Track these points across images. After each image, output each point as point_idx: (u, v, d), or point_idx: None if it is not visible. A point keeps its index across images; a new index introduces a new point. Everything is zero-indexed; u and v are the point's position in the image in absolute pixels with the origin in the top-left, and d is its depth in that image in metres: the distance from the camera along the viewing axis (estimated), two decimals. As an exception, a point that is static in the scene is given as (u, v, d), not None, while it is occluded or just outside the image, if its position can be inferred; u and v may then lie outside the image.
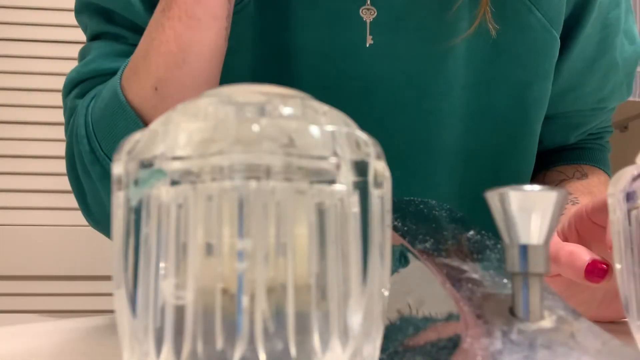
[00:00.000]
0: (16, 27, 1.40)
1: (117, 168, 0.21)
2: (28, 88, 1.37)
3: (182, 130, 0.21)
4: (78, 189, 0.63)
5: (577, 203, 0.65)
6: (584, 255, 0.45)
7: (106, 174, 0.57)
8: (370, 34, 0.62)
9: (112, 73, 0.60)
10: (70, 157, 0.61)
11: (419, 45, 0.63)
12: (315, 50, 0.62)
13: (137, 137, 0.21)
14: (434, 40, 0.62)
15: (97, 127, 0.58)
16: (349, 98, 0.63)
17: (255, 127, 0.20)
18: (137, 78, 0.55)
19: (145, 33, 0.55)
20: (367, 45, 0.62)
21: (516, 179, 0.70)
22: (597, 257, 0.44)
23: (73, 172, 0.62)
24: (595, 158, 0.79)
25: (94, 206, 0.62)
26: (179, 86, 0.54)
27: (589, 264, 0.44)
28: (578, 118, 0.76)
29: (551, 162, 0.78)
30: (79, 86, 0.63)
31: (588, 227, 0.49)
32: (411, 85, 0.63)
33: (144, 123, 0.55)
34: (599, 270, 0.44)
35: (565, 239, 0.51)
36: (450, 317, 0.23)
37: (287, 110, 0.21)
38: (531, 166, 0.72)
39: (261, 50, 0.62)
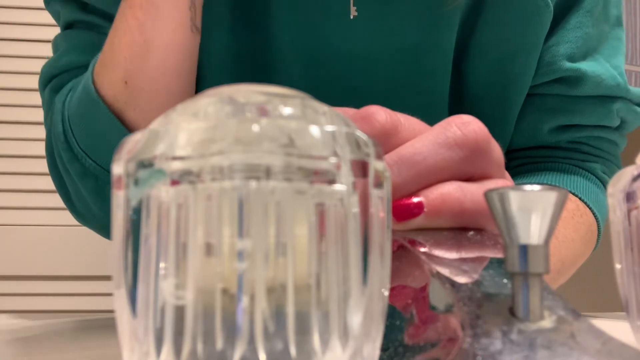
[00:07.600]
0: (16, 27, 1.40)
1: (117, 168, 0.21)
2: (28, 88, 1.37)
3: (182, 130, 0.21)
4: (61, 186, 0.60)
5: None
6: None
7: (85, 172, 0.55)
8: (354, 5, 0.55)
9: (85, 66, 0.57)
10: (51, 154, 0.59)
11: (411, 14, 0.55)
12: (293, 24, 0.56)
13: (137, 137, 0.21)
14: (428, 8, 0.55)
15: (73, 123, 0.55)
16: (333, 78, 0.57)
17: (255, 127, 0.20)
18: (107, 71, 0.52)
19: (113, 23, 0.52)
20: (352, 18, 0.55)
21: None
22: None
23: (54, 169, 0.59)
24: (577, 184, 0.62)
25: (78, 203, 0.59)
26: (148, 79, 0.50)
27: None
28: (554, 99, 0.62)
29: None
30: (53, 80, 0.61)
31: None
32: (404, 61, 0.57)
33: (119, 119, 0.52)
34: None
35: None
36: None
37: (287, 110, 0.21)
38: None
39: (239, 27, 0.57)
